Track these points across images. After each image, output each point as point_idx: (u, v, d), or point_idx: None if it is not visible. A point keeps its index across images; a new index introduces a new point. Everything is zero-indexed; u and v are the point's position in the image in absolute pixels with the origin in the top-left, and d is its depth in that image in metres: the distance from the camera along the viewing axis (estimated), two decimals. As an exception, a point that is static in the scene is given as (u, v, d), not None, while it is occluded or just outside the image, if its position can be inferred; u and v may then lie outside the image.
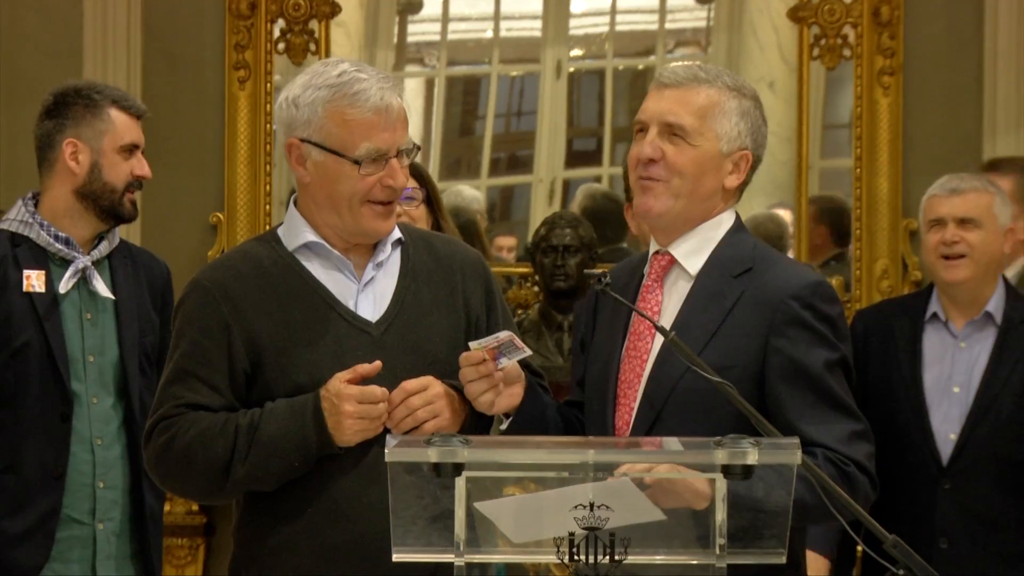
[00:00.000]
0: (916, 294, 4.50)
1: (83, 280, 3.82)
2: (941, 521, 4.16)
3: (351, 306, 3.07)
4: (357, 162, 3.03)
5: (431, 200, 4.14)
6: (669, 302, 3.05)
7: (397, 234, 3.16)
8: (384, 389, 2.96)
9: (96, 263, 3.85)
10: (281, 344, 3.02)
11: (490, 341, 2.94)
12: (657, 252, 3.08)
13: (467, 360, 2.96)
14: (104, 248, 3.88)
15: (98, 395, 3.79)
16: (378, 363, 2.98)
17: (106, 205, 3.83)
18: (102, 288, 3.82)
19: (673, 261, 3.05)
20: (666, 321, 3.00)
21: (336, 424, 2.95)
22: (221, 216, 5.86)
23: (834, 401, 2.95)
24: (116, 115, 3.88)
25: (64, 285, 3.78)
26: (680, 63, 3.13)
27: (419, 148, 3.14)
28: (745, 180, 3.07)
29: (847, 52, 5.86)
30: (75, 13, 5.82)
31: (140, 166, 3.89)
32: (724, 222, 3.07)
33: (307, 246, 3.10)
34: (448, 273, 3.17)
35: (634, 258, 3.28)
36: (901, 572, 2.64)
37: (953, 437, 4.18)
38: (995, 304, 4.24)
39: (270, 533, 3.04)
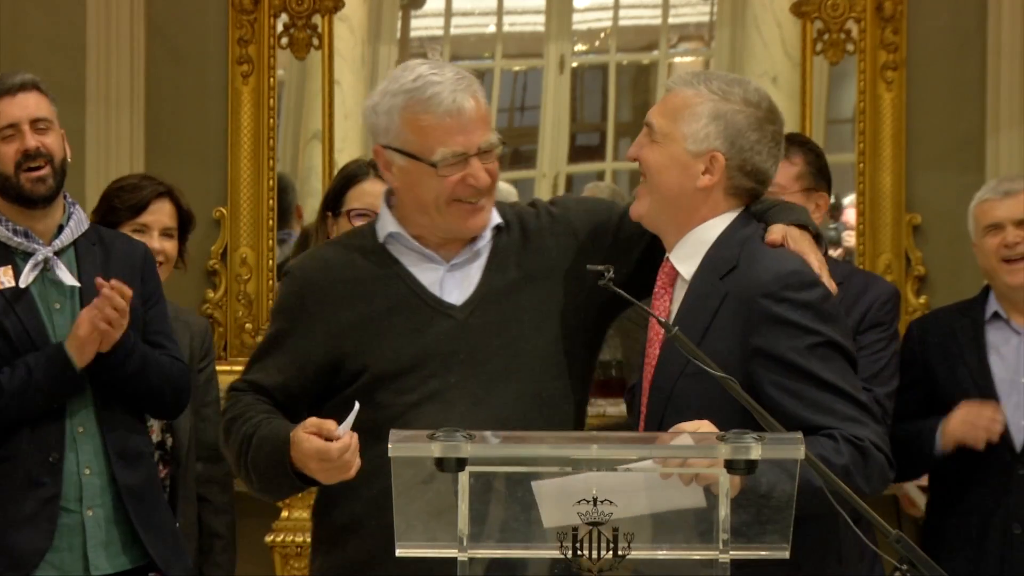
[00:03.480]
0: (972, 299, 4.52)
1: (45, 271, 3.82)
2: (1015, 506, 4.23)
3: (436, 292, 3.11)
4: (435, 165, 3.06)
5: None
6: (675, 307, 3.10)
7: (496, 220, 3.19)
8: (343, 441, 2.94)
9: (61, 252, 3.84)
10: (363, 332, 3.09)
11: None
12: (666, 259, 3.13)
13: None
14: (67, 236, 3.87)
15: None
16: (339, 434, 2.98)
17: (12, 193, 3.83)
18: (66, 276, 3.82)
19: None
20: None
21: (312, 472, 3.01)
22: (224, 211, 5.85)
23: (825, 385, 2.96)
24: None
25: (25, 279, 3.78)
26: (696, 70, 3.18)
27: (504, 143, 3.16)
28: (736, 186, 3.09)
29: (850, 47, 5.85)
30: (78, 8, 5.82)
31: (22, 141, 3.85)
32: (720, 223, 3.09)
33: (392, 236, 3.18)
34: (555, 236, 3.21)
35: None
36: (904, 567, 2.64)
37: None
38: None
39: (338, 512, 3.14)
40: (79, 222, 3.91)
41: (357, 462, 2.96)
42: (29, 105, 3.89)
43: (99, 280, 3.72)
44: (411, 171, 3.10)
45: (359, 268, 3.14)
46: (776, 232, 3.05)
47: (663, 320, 2.92)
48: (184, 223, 4.40)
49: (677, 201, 3.08)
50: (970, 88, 5.77)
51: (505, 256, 3.18)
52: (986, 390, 4.29)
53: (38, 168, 3.84)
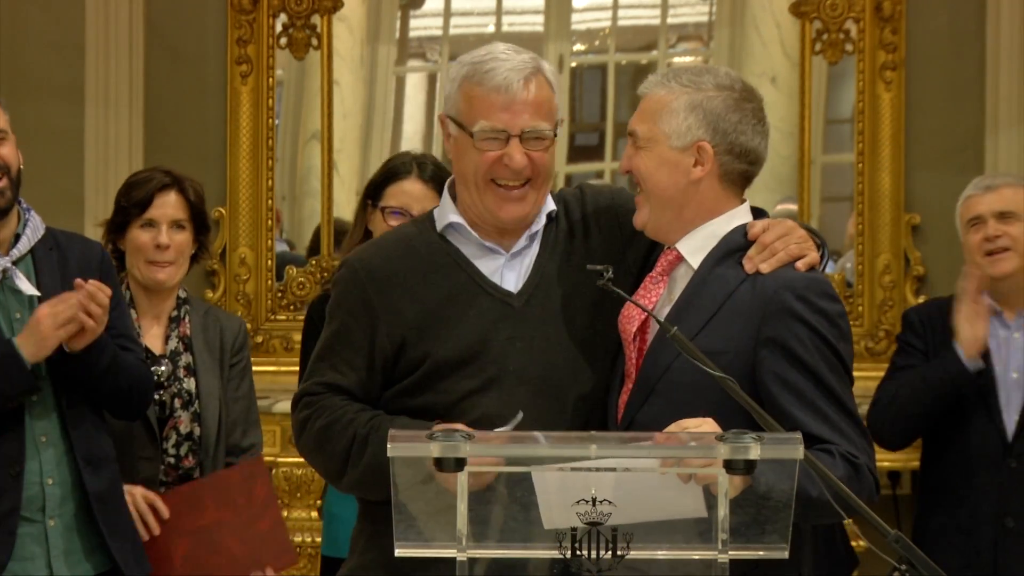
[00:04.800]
0: None
1: (4, 280, 3.79)
2: (1008, 500, 4.24)
3: (496, 279, 3.14)
4: (473, 136, 3.09)
5: None
6: (670, 293, 3.09)
7: (551, 206, 3.20)
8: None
9: (18, 261, 3.81)
10: (425, 321, 3.10)
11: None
12: (668, 248, 3.13)
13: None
14: (24, 245, 3.81)
15: (39, 392, 3.77)
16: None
17: None
18: (25, 286, 3.77)
19: (680, 257, 3.09)
20: (665, 309, 3.05)
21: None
22: (223, 211, 5.86)
23: (831, 395, 2.97)
24: None
25: None
26: (662, 71, 3.20)
27: (555, 135, 3.15)
28: (729, 170, 3.09)
29: (849, 47, 5.85)
30: (77, 8, 5.82)
31: None
32: (735, 219, 3.11)
33: (452, 226, 3.18)
34: (599, 225, 3.23)
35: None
36: (903, 567, 2.64)
37: (1016, 418, 4.25)
38: None
39: (365, 517, 3.18)
40: (35, 229, 3.84)
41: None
42: None
43: (78, 281, 3.69)
44: (459, 140, 3.14)
45: (419, 258, 3.15)
46: (758, 224, 3.06)
47: (662, 321, 2.93)
48: (198, 214, 4.35)
49: (675, 199, 3.09)
50: (969, 88, 5.78)
51: (556, 243, 3.20)
52: (979, 385, 4.31)
53: (2, 176, 3.78)
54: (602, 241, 3.23)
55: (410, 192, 4.19)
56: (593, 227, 3.24)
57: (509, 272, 3.16)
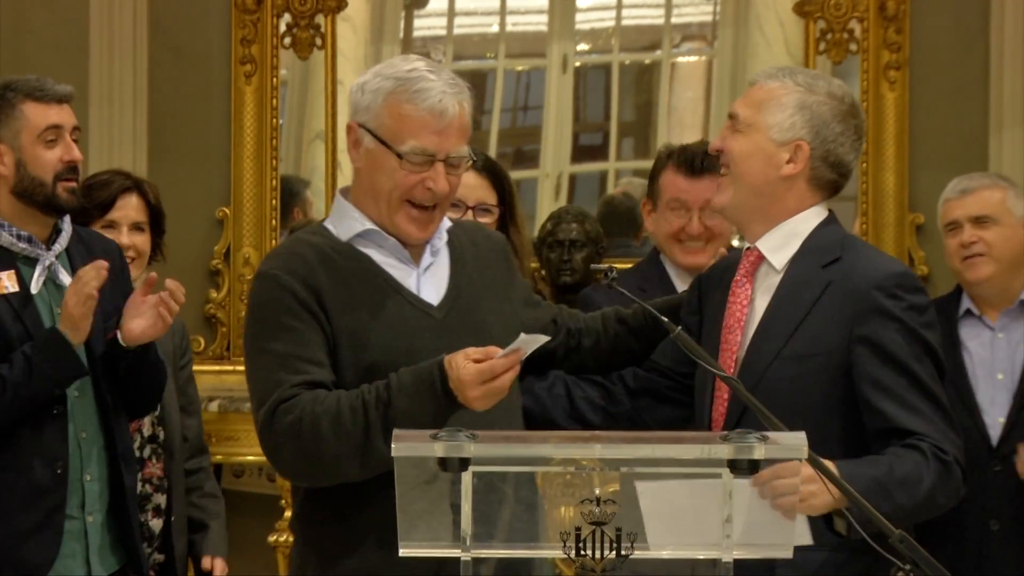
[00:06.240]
0: (946, 295, 4.52)
1: (49, 276, 3.82)
2: (992, 503, 4.23)
3: (413, 290, 3.13)
4: (401, 156, 3.05)
5: (506, 216, 4.07)
6: (758, 296, 3.15)
7: (447, 223, 3.22)
8: (503, 360, 2.90)
9: (60, 255, 3.85)
10: (354, 326, 3.07)
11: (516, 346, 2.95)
12: (748, 249, 3.18)
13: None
14: (64, 241, 3.86)
15: (78, 389, 3.79)
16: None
17: (41, 200, 3.80)
18: (67, 280, 3.81)
19: (762, 257, 3.11)
20: (756, 316, 3.11)
21: (464, 400, 2.93)
22: (227, 211, 5.86)
23: (924, 389, 3.03)
24: (29, 107, 3.83)
25: (35, 284, 3.77)
26: (780, 66, 3.25)
27: (474, 160, 3.17)
28: (820, 176, 3.14)
29: (853, 47, 5.85)
30: (81, 8, 5.82)
31: (67, 151, 3.83)
32: (812, 217, 3.16)
33: (362, 235, 3.15)
34: (487, 257, 3.25)
35: (732, 255, 3.37)
36: (907, 567, 2.64)
37: (1001, 420, 4.24)
38: None
39: (334, 525, 3.07)
40: (67, 224, 3.91)
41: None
42: (69, 113, 3.89)
43: (153, 276, 3.75)
44: (377, 156, 3.10)
45: (336, 265, 3.11)
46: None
47: (666, 320, 2.96)
48: (156, 216, 4.38)
49: (761, 190, 3.13)
50: (973, 87, 5.78)
51: (464, 259, 3.21)
52: (961, 387, 4.28)
53: (74, 179, 3.85)
54: (497, 271, 3.25)
55: (465, 183, 4.18)
56: (490, 254, 3.26)
57: (426, 285, 3.15)
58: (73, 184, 3.84)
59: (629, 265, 4.45)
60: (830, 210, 3.21)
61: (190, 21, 5.91)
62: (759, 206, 3.14)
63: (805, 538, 2.76)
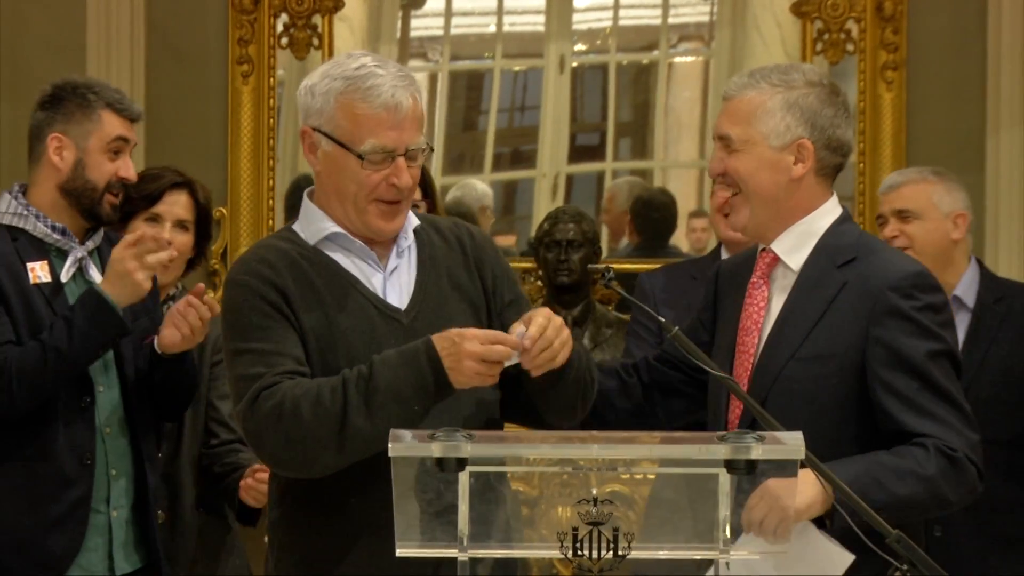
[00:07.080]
0: None
1: (79, 269, 3.83)
2: None
3: (380, 294, 3.11)
4: (361, 157, 3.03)
5: (432, 211, 4.11)
6: (775, 297, 3.14)
7: (415, 222, 3.18)
8: (511, 336, 2.91)
9: (89, 252, 3.86)
10: (321, 330, 3.05)
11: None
12: (763, 249, 3.18)
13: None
14: (98, 238, 3.88)
15: (104, 383, 3.80)
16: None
17: (86, 204, 3.81)
18: (98, 276, 3.82)
19: (777, 259, 3.11)
20: (772, 318, 3.11)
21: (455, 364, 2.90)
22: (224, 211, 5.86)
23: (938, 390, 3.02)
24: (108, 116, 3.84)
25: (65, 275, 3.79)
26: (745, 72, 3.22)
27: (431, 150, 3.15)
28: (826, 165, 3.16)
29: (850, 47, 5.85)
30: (78, 7, 5.82)
31: (125, 168, 3.85)
32: (827, 214, 3.16)
33: (329, 238, 3.13)
34: (460, 255, 3.21)
35: (745, 253, 3.36)
36: (904, 567, 2.64)
37: None
38: (964, 287, 4.31)
39: (312, 528, 3.05)
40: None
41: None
42: (135, 134, 3.92)
43: (200, 286, 3.78)
44: (336, 158, 3.08)
45: (303, 269, 3.09)
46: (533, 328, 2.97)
47: (663, 320, 2.96)
48: (203, 218, 4.36)
49: (777, 198, 3.13)
50: (970, 88, 5.78)
51: (432, 259, 3.18)
52: None
53: (119, 196, 3.87)
54: (467, 273, 3.21)
55: None
56: (460, 254, 3.22)
57: (391, 289, 3.13)
58: (117, 201, 3.86)
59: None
60: (844, 207, 3.21)
61: (187, 21, 5.91)
62: (776, 214, 3.14)
63: (845, 557, 2.79)
